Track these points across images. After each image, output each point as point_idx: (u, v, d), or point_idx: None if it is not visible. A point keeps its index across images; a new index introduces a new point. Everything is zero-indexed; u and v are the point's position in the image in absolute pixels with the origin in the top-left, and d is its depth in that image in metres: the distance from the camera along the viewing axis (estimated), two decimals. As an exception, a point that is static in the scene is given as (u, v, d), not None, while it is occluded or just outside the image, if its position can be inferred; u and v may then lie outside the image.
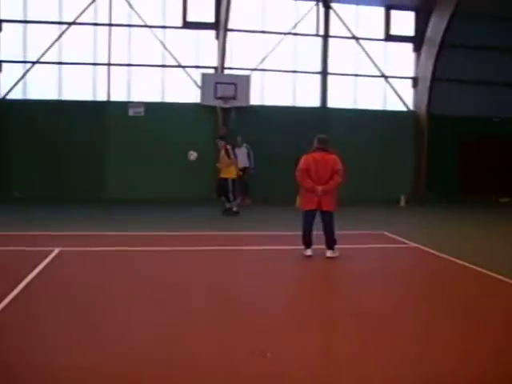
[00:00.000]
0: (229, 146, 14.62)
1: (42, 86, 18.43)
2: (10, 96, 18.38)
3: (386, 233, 11.69)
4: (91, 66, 18.70)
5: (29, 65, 18.40)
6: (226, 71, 18.74)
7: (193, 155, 14.51)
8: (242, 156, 17.22)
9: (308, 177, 8.97)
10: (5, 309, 5.99)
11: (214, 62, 18.86)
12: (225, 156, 14.40)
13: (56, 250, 9.16)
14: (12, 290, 6.62)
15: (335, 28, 19.62)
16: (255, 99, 18.61)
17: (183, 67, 18.80)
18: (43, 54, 18.30)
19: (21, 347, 4.92)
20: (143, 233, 11.47)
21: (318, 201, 9.02)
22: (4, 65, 18.42)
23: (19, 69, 18.45)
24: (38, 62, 18.35)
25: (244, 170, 17.22)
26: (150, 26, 18.64)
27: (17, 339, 5.15)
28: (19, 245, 9.84)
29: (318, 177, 8.96)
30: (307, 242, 9.11)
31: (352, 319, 5.95)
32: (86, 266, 8.55)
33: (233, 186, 14.45)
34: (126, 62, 18.78)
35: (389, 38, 20.10)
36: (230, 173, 14.48)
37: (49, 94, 18.42)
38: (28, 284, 7.06)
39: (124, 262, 8.85)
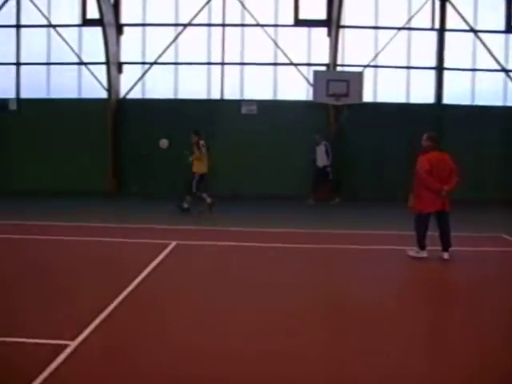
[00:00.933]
0: (201, 142, 14.53)
1: (159, 86, 19.50)
2: (130, 95, 19.64)
3: (504, 236, 11.40)
4: (205, 66, 19.53)
5: (147, 66, 19.56)
6: (338, 68, 18.92)
7: (164, 143, 14.85)
8: (321, 154, 17.35)
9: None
10: (128, 296, 6.66)
11: (326, 59, 19.08)
12: (196, 150, 14.42)
13: (173, 243, 9.85)
14: (134, 279, 7.31)
15: (452, 21, 19.14)
16: (368, 96, 18.61)
17: (295, 65, 19.18)
18: (160, 55, 19.36)
19: (137, 331, 5.51)
20: (253, 229, 11.90)
21: (441, 202, 9.03)
22: (125, 66, 19.69)
23: (138, 69, 19.65)
24: (155, 62, 19.45)
25: (323, 168, 17.30)
26: (263, 25, 19.15)
27: (135, 324, 5.77)
28: (141, 237, 10.67)
29: (440, 177, 8.94)
30: (424, 244, 9.15)
31: (471, 329, 5.82)
32: (200, 258, 9.16)
33: (198, 182, 14.34)
34: (239, 61, 19.44)
35: (511, 29, 19.34)
36: (198, 167, 14.42)
37: (166, 93, 19.44)
38: (149, 273, 7.75)
39: (236, 256, 9.33)
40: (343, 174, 18.44)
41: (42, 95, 20.06)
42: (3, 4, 19.85)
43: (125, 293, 6.69)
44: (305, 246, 10.18)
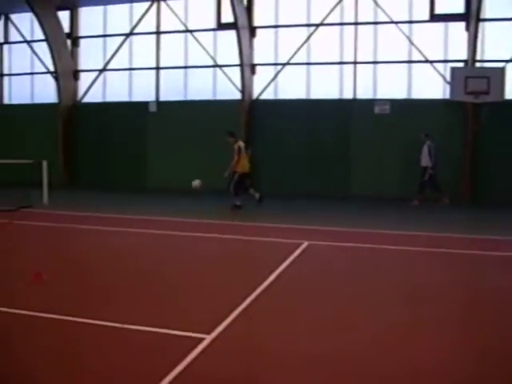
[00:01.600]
0: (241, 143, 15.21)
1: (291, 86, 19.75)
2: (263, 96, 20.08)
3: None
4: (338, 65, 19.50)
5: (279, 66, 19.89)
6: (478, 64, 18.13)
7: (196, 184, 15.06)
8: (424, 154, 16.82)
9: None
10: (261, 294, 6.74)
11: (464, 55, 18.37)
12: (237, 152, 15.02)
13: (305, 243, 9.97)
14: (267, 278, 7.43)
15: None
16: (511, 93, 17.64)
17: (430, 62, 18.65)
18: (293, 56, 19.60)
19: (274, 332, 5.52)
20: (388, 231, 11.69)
21: None
22: (258, 67, 20.14)
23: (271, 71, 20.02)
24: (288, 63, 19.73)
25: (425, 169, 16.77)
26: (396, 22, 18.79)
27: (269, 322, 5.79)
28: (273, 236, 10.92)
29: None
30: None
31: None
32: (332, 260, 9.09)
33: (239, 182, 15.05)
34: (372, 60, 19.21)
35: None
36: (239, 167, 15.08)
37: (298, 93, 19.66)
38: (280, 273, 7.83)
39: (371, 259, 9.15)
40: (481, 176, 17.70)
41: (180, 97, 21.02)
42: (145, 13, 21.03)
43: (258, 290, 6.78)
44: (434, 251, 9.83)
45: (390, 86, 19.03)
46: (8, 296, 6.58)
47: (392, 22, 18.87)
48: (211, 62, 20.58)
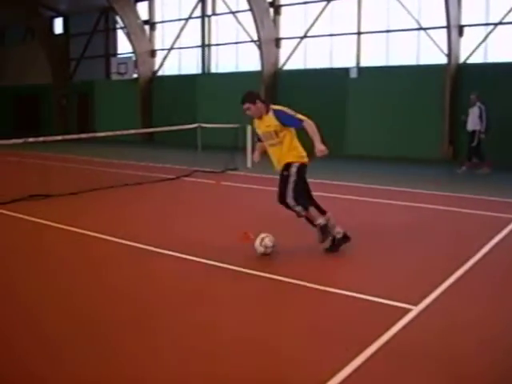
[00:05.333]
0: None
1: (502, 48, 18.50)
2: (471, 60, 19.06)
3: None
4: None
5: (490, 27, 18.69)
6: None
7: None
8: (473, 116, 15.45)
9: None
10: (470, 270, 6.44)
11: None
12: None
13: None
14: (476, 253, 7.07)
15: None
16: None
17: None
18: (506, 14, 18.29)
19: (483, 312, 5.21)
20: None
21: None
22: (466, 29, 19.09)
23: (481, 32, 18.89)
24: (500, 23, 18.54)
25: (473, 133, 15.47)
26: None
27: (476, 301, 5.54)
28: (483, 209, 10.25)
29: None
30: None
31: None
32: None
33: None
34: None
35: None
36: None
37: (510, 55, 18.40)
38: (491, 249, 7.37)
39: None
40: None
41: (381, 63, 20.77)
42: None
43: (468, 265, 6.58)
44: None
45: None
46: (216, 250, 7.27)
47: None
48: (415, 25, 19.92)
